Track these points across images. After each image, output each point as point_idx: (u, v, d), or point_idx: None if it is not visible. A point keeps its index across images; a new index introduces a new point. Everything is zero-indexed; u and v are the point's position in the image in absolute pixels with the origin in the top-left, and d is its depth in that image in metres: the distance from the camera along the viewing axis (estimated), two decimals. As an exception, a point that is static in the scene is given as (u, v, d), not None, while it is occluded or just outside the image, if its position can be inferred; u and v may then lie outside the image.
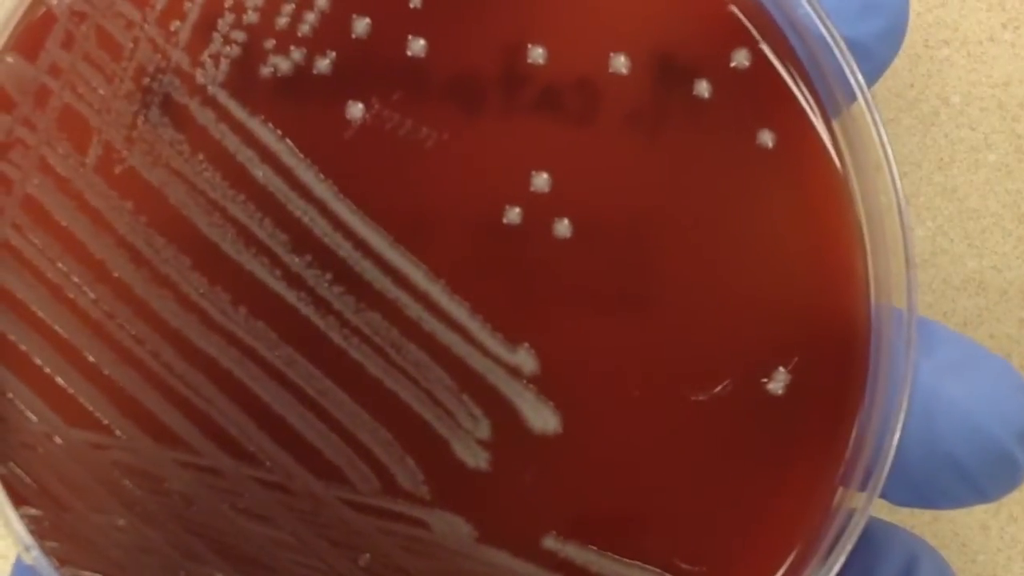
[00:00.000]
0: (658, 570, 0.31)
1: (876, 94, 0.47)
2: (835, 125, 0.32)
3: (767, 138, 0.32)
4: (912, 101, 0.46)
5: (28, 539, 0.31)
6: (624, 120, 0.31)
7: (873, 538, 0.34)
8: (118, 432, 0.31)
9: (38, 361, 0.31)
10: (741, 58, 0.32)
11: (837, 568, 0.31)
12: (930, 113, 0.46)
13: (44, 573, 0.31)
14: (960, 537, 0.46)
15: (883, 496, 0.32)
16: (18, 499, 0.32)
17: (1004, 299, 0.46)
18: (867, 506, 0.31)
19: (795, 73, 0.32)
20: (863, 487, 0.32)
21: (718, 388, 0.31)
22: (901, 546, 0.34)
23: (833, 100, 0.32)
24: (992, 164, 0.46)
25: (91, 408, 0.31)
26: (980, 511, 0.46)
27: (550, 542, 0.31)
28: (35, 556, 0.31)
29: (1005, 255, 0.46)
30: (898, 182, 0.31)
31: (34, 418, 0.32)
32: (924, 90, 0.46)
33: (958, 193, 0.46)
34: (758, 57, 0.32)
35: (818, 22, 0.31)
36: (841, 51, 0.31)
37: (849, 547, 0.31)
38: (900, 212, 0.31)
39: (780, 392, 0.32)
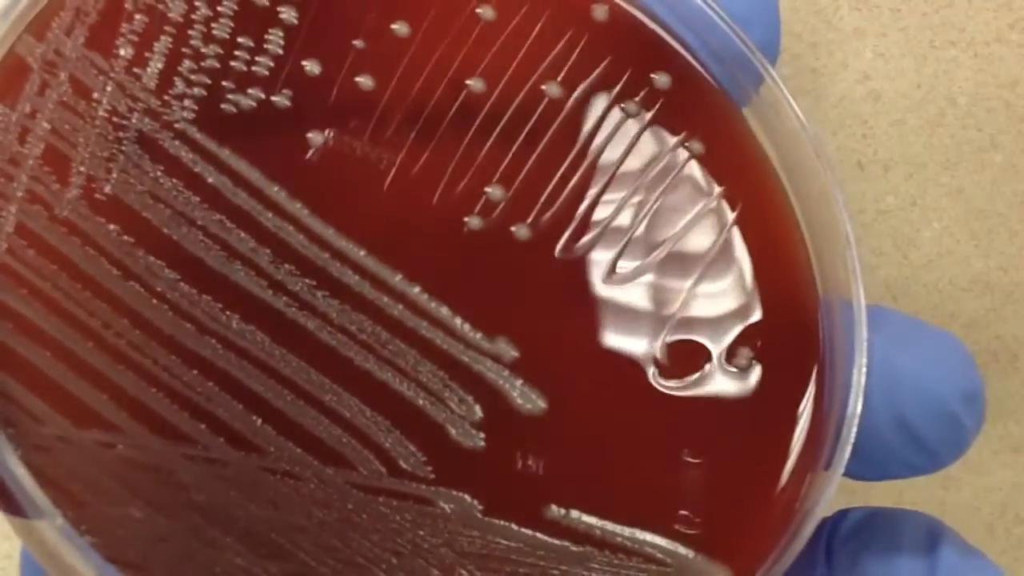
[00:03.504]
0: (654, 533, 0.33)
1: (882, 92, 0.47)
2: (747, 112, 0.34)
3: (696, 147, 0.34)
4: (918, 102, 0.46)
5: (52, 508, 0.33)
6: (564, 139, 0.34)
7: (889, 520, 0.35)
8: (126, 431, 0.33)
9: (44, 370, 0.33)
10: (661, 78, 0.34)
11: (806, 536, 0.33)
12: (936, 114, 0.46)
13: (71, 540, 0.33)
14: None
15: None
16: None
17: (1011, 300, 0.46)
18: (834, 477, 0.33)
19: (715, 85, 0.34)
20: (827, 466, 0.33)
21: (684, 368, 0.34)
22: (919, 523, 0.35)
23: (743, 90, 0.34)
24: (999, 165, 0.46)
25: (100, 411, 0.33)
26: (986, 512, 0.47)
27: (553, 512, 0.33)
28: (60, 524, 0.33)
29: (1012, 256, 0.46)
30: (825, 156, 0.33)
31: (44, 423, 0.33)
32: (930, 91, 0.46)
33: (964, 194, 0.46)
34: (675, 74, 0.34)
35: (710, 12, 0.33)
36: (739, 37, 0.33)
37: (813, 523, 0.33)
38: (830, 190, 0.33)
39: (744, 370, 0.34)
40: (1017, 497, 0.47)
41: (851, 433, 0.33)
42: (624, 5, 0.34)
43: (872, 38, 0.46)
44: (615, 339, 0.34)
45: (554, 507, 0.33)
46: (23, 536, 0.33)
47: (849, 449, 0.33)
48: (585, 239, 0.34)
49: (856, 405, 0.33)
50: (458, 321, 0.33)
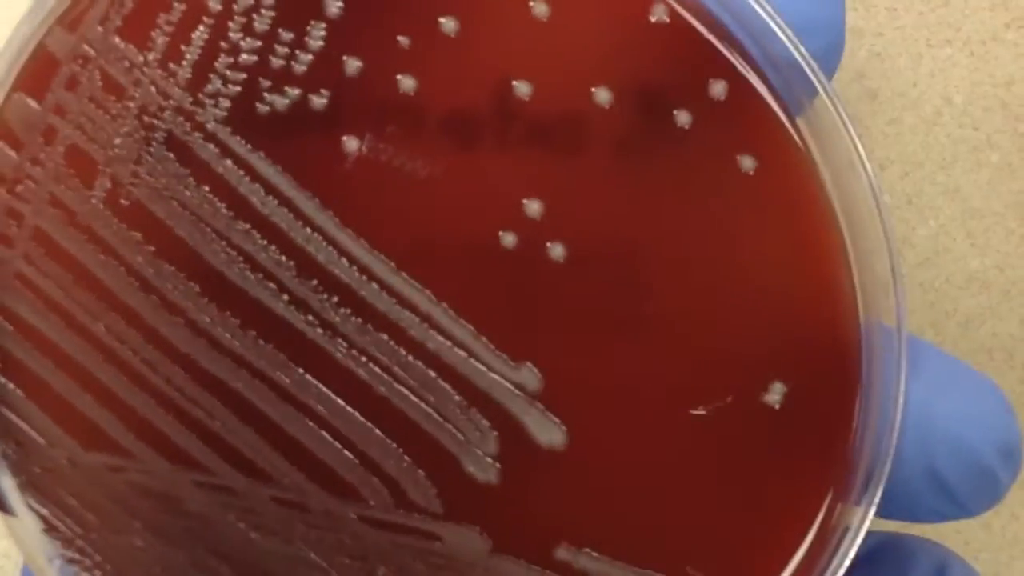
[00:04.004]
0: None
1: (879, 91, 0.47)
2: (800, 123, 0.32)
3: (748, 163, 0.32)
4: (915, 100, 0.46)
5: (52, 551, 0.32)
6: (611, 150, 0.31)
7: (899, 550, 0.34)
8: (134, 454, 0.32)
9: (53, 387, 0.32)
10: (717, 87, 0.32)
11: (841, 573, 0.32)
12: (933, 113, 0.46)
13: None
14: (962, 535, 0.46)
15: None
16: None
17: (1007, 298, 0.46)
18: (867, 515, 0.32)
19: (772, 99, 0.32)
20: (858, 501, 0.32)
21: (715, 403, 0.32)
22: (928, 556, 0.34)
23: (798, 100, 0.32)
24: (995, 164, 0.46)
25: (107, 431, 0.32)
26: (983, 509, 0.47)
27: (563, 552, 0.32)
28: (59, 565, 0.32)
29: (1008, 254, 0.46)
30: (876, 186, 0.32)
31: (51, 443, 0.32)
32: (927, 89, 0.46)
33: (961, 193, 0.46)
34: (733, 85, 0.32)
35: (770, 23, 0.32)
36: (795, 45, 0.32)
37: (850, 555, 0.32)
38: (883, 222, 0.32)
39: (777, 406, 0.32)
40: (1013, 494, 0.47)
41: (879, 490, 0.32)
42: (680, 9, 0.32)
43: (869, 37, 0.46)
44: (645, 371, 0.32)
45: (565, 546, 0.32)
46: (15, 539, 0.33)
47: (873, 510, 0.32)
48: (622, 261, 0.32)
49: (887, 465, 0.31)
50: (483, 344, 0.32)
